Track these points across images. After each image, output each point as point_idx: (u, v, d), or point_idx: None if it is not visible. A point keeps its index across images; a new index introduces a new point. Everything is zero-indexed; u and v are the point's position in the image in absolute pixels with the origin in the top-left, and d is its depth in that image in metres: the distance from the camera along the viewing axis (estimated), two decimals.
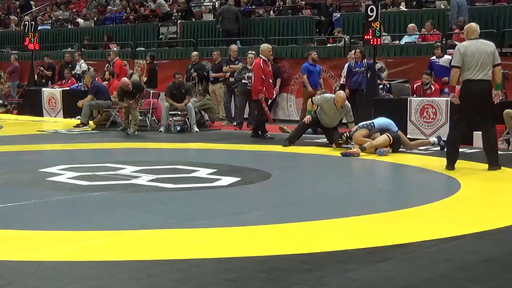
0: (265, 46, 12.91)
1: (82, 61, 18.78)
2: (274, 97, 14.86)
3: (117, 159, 9.91)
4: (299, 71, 15.73)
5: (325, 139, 11.78)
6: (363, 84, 13.77)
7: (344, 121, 11.93)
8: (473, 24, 8.88)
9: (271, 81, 12.91)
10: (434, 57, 13.51)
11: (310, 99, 11.97)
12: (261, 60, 12.50)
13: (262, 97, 12.46)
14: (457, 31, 14.62)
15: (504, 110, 10.69)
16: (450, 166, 8.65)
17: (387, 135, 10.41)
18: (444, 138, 11.12)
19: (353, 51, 14.70)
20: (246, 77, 13.91)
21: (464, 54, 8.44)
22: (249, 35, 18.72)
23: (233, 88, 15.35)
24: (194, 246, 4.95)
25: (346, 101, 11.53)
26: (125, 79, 14.11)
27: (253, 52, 14.80)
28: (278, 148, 11.27)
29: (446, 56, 13.10)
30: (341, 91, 11.96)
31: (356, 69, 14.01)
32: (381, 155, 10.08)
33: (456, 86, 8.89)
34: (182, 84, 14.22)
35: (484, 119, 8.59)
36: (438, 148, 10.84)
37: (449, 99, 11.08)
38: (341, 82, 14.54)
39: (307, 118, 11.66)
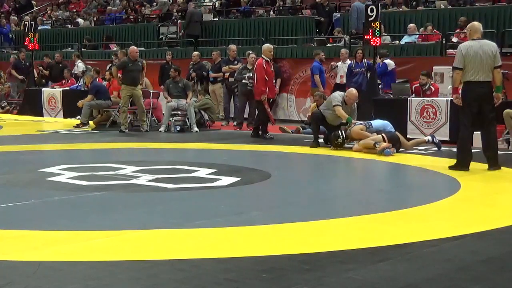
0: (265, 46, 12.90)
1: (79, 60, 18.77)
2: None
3: (117, 159, 9.90)
4: (299, 71, 15.74)
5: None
6: (364, 84, 13.78)
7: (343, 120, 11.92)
8: (476, 23, 8.75)
9: (273, 81, 12.90)
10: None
11: (339, 107, 11.11)
12: (264, 60, 12.49)
13: (264, 98, 12.46)
14: (457, 30, 14.64)
15: (504, 110, 10.68)
16: (466, 168, 8.56)
17: (382, 135, 10.51)
18: (439, 138, 11.15)
19: (343, 50, 14.76)
20: (246, 77, 13.90)
21: (466, 55, 8.36)
22: (249, 35, 18.72)
23: (232, 88, 15.35)
24: (194, 246, 4.95)
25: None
26: (134, 47, 14.55)
27: (251, 52, 14.81)
28: (278, 148, 11.27)
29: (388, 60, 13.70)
30: (353, 89, 11.73)
31: (357, 69, 14.03)
32: (388, 155, 10.09)
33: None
34: (181, 79, 14.30)
35: (485, 119, 8.56)
36: (436, 148, 10.83)
37: (449, 99, 11.10)
38: (338, 82, 14.57)
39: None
